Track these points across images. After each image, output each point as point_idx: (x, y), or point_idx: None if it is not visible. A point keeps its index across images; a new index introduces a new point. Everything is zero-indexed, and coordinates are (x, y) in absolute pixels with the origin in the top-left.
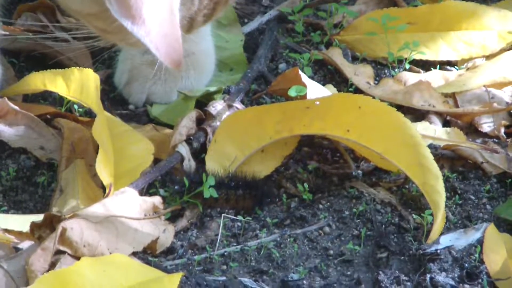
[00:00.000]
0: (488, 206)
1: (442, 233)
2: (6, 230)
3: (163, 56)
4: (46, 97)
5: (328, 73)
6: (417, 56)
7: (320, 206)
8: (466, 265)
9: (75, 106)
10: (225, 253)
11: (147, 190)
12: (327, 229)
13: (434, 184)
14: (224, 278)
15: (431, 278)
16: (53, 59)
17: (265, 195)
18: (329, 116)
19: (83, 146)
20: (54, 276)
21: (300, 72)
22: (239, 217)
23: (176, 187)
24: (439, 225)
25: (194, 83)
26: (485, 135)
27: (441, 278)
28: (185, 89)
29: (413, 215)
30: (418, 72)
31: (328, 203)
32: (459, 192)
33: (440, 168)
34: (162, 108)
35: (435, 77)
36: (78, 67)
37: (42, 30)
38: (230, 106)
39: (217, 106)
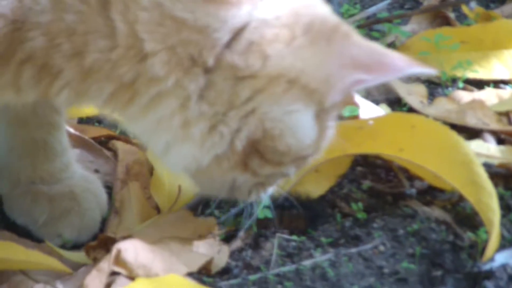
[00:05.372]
0: None
1: (497, 251)
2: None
3: None
4: (101, 119)
5: (381, 93)
6: (471, 75)
7: (375, 225)
8: None
9: None
10: (280, 273)
11: (202, 211)
12: (381, 247)
13: (488, 202)
14: None
15: None
16: None
17: (319, 215)
18: (382, 135)
19: (137, 168)
20: None
21: (353, 92)
22: (294, 237)
23: (230, 207)
24: (493, 243)
25: None
26: None
27: None
28: None
29: (468, 233)
30: (472, 90)
31: (383, 222)
32: None
33: (495, 186)
34: None
35: (489, 95)
36: None
37: None
38: None
39: None
